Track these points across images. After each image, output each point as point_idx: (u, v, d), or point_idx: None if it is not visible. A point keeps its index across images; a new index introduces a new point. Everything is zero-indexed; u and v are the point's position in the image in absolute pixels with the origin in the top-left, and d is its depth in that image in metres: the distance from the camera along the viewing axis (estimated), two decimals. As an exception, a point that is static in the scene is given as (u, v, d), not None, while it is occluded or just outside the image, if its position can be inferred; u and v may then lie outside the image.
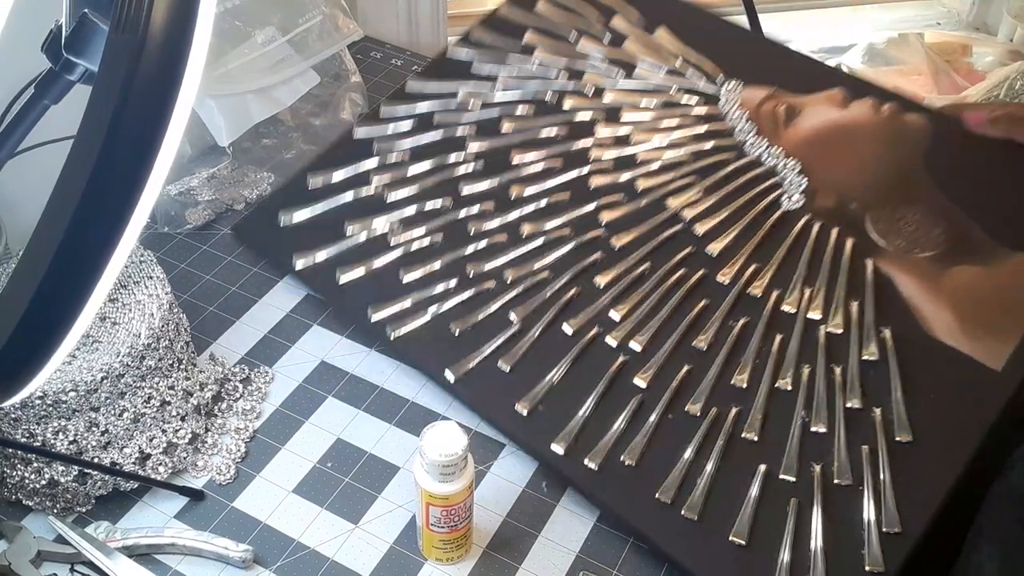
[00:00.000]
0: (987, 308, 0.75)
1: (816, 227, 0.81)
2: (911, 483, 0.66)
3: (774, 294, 0.77)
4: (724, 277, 0.79)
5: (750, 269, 0.79)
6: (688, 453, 0.70)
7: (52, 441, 0.70)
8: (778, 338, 0.75)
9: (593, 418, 0.73)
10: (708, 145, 0.88)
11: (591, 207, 0.85)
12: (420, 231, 0.85)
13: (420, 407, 0.81)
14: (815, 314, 0.76)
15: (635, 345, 0.76)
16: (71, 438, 0.70)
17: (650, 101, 0.92)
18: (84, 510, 0.73)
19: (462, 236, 0.84)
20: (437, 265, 0.83)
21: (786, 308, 0.77)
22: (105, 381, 0.71)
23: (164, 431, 0.74)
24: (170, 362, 0.77)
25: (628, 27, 0.98)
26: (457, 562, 0.71)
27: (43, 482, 0.70)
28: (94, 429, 0.71)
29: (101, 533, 0.69)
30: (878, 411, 0.70)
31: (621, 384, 0.74)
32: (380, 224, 0.86)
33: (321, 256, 0.85)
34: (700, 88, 0.93)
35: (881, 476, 0.67)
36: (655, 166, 0.87)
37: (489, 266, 0.82)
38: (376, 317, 0.80)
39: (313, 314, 0.89)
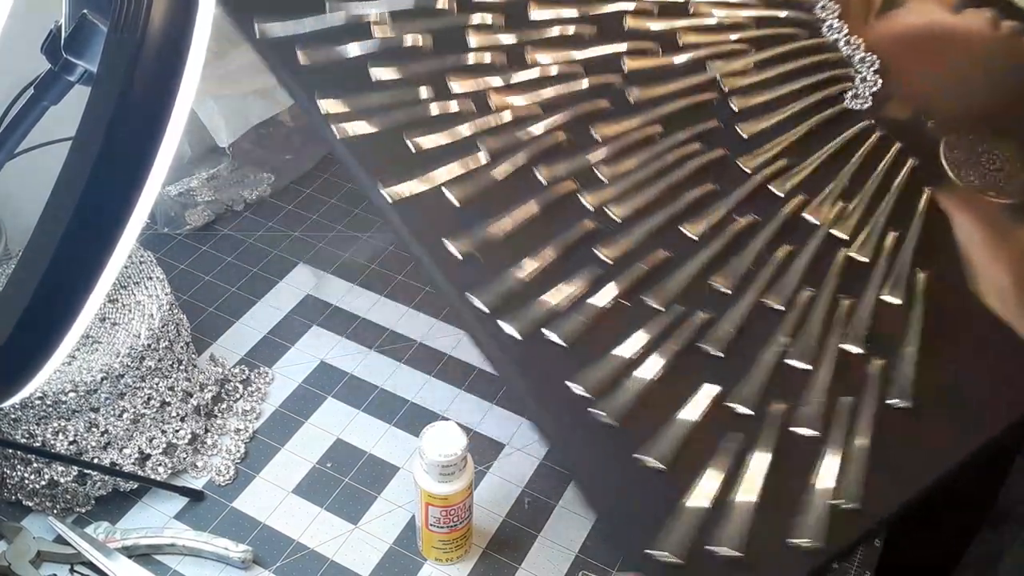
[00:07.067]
0: None
1: (875, 136, 0.70)
2: (892, 458, 0.54)
3: (799, 198, 0.65)
4: (747, 164, 0.67)
5: (781, 163, 0.67)
6: (632, 348, 0.57)
7: (52, 442, 0.70)
8: (786, 248, 0.63)
9: (536, 282, 0.60)
10: (781, 14, 0.76)
11: (617, 48, 0.72)
12: (408, 26, 0.70)
13: (420, 407, 0.81)
14: (841, 232, 0.64)
15: (613, 213, 0.63)
16: (71, 439, 0.70)
17: None
18: (84, 511, 0.73)
19: (453, 43, 0.70)
20: (415, 69, 0.69)
21: (808, 216, 0.65)
22: (105, 382, 0.71)
23: (164, 432, 0.74)
24: (170, 363, 0.77)
25: None
26: (457, 562, 0.71)
27: (43, 483, 0.70)
28: (94, 430, 0.71)
29: (101, 534, 0.69)
30: (879, 363, 0.58)
31: (581, 252, 0.61)
32: (366, 9, 0.71)
33: (289, 28, 0.69)
34: None
35: (856, 439, 0.55)
36: (709, 21, 0.75)
37: (471, 84, 0.68)
38: (324, 105, 0.65)
39: (313, 315, 0.89)
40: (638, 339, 0.57)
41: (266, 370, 0.84)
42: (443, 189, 0.63)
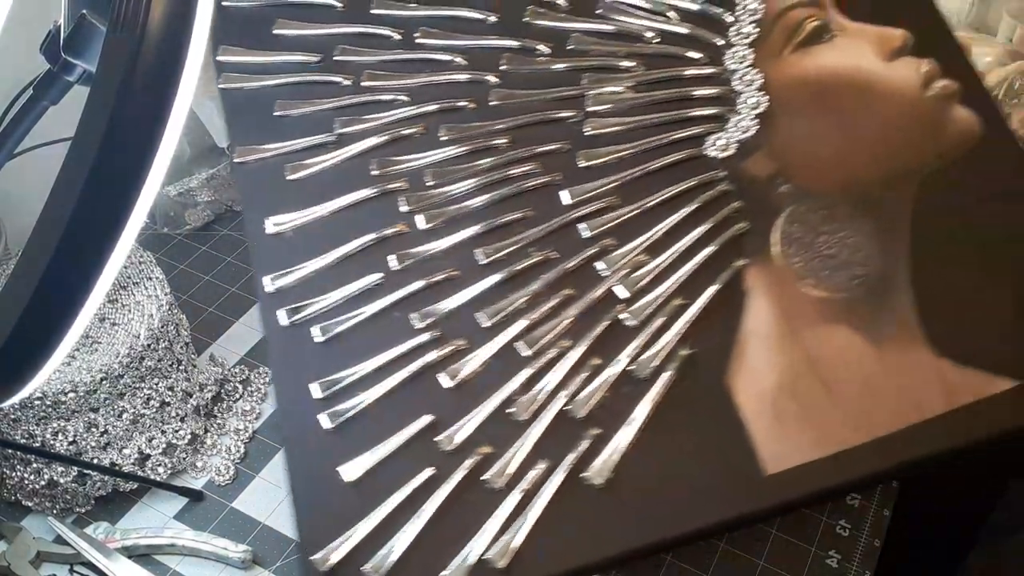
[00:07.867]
0: (827, 401, 0.53)
1: (717, 190, 0.62)
2: (556, 531, 0.52)
3: (607, 242, 0.61)
4: (568, 195, 0.63)
5: (605, 201, 0.63)
6: (378, 361, 0.58)
7: (51, 442, 0.70)
8: (565, 292, 0.59)
9: (328, 275, 0.61)
10: (684, 29, 0.69)
11: (508, 43, 0.69)
12: None
13: (419, 407, 0.81)
14: (624, 289, 0.59)
15: (420, 220, 0.62)
16: (70, 439, 0.70)
17: None
18: (83, 511, 0.73)
19: (362, 6, 0.72)
20: (317, 31, 0.72)
21: (599, 265, 0.60)
22: (104, 382, 0.71)
23: (163, 432, 0.74)
24: (169, 363, 0.77)
25: None
26: (456, 562, 0.71)
27: (42, 483, 0.70)
28: (93, 430, 0.71)
29: (100, 534, 0.69)
30: (594, 433, 0.55)
31: (378, 254, 0.61)
32: None
33: None
34: None
35: (534, 502, 0.53)
36: (608, 27, 0.69)
37: (353, 56, 0.70)
38: (221, 53, 0.69)
39: (312, 315, 0.89)
40: (387, 354, 0.58)
41: (266, 370, 0.84)
42: (283, 163, 0.65)
